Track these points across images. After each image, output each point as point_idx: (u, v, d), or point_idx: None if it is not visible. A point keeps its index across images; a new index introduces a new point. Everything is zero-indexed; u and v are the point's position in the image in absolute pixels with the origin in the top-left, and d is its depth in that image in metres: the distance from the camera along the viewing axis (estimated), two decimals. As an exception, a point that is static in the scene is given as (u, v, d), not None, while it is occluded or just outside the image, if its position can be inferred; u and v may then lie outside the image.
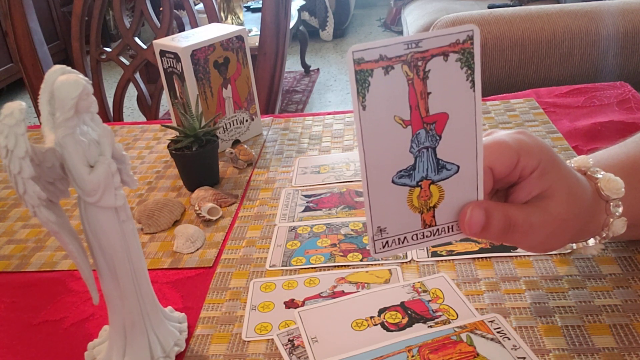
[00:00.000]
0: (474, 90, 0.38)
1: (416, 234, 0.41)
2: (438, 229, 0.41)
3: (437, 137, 0.38)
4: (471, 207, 0.41)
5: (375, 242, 0.40)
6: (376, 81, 0.35)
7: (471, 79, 0.37)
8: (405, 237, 0.41)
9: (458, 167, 0.40)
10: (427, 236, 0.42)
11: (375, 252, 0.41)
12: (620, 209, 0.47)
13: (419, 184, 0.39)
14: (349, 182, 0.72)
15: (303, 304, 0.52)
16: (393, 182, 0.39)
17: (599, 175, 0.48)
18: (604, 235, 0.48)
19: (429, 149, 0.39)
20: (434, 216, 0.41)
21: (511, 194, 0.45)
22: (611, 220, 0.47)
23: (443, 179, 0.40)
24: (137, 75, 1.25)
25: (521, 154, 0.42)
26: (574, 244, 0.51)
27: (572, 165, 0.49)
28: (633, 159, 0.51)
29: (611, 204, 0.47)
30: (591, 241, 0.49)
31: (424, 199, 0.40)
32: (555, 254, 0.55)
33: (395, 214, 0.40)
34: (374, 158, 0.37)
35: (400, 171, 0.39)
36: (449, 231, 0.42)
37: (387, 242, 0.41)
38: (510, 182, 0.44)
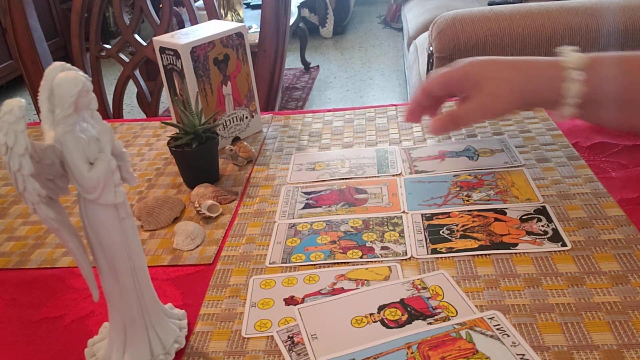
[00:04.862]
0: None
1: None
2: None
3: None
4: (431, 121, 0.68)
5: None
6: None
7: None
8: None
9: None
10: None
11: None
12: (578, 74, 0.59)
13: None
14: (343, 179, 0.72)
15: (303, 300, 0.52)
16: None
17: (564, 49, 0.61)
18: (567, 99, 0.60)
19: None
20: None
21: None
22: (567, 84, 0.59)
23: None
24: (137, 72, 1.25)
25: (448, 70, 0.66)
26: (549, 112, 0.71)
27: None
28: (619, 54, 0.61)
29: (570, 71, 0.59)
30: (566, 109, 0.61)
31: None
32: (554, 251, 0.55)
33: None
34: None
35: None
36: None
37: None
38: (455, 90, 0.68)
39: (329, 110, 0.94)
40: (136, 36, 1.23)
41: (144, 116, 1.34)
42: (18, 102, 0.37)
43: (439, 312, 0.49)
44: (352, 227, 0.62)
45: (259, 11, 1.21)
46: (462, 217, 0.62)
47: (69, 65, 0.41)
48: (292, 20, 3.33)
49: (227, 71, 0.82)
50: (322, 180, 0.73)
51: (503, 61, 0.65)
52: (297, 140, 0.85)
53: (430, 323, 0.48)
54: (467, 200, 0.64)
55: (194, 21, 1.18)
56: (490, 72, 0.65)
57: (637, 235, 0.56)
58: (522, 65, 0.64)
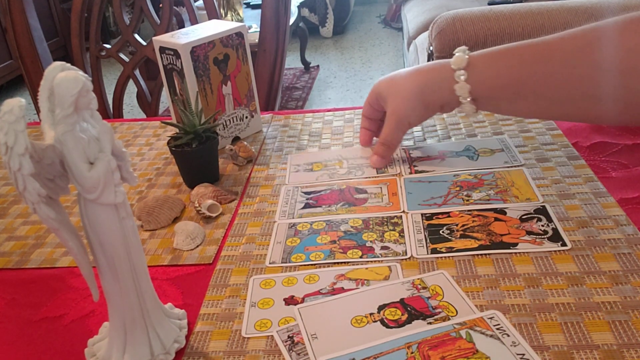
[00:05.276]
0: None
1: None
2: None
3: None
4: (370, 156, 0.74)
5: None
6: None
7: None
8: None
9: None
10: None
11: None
12: (463, 75, 0.63)
13: None
14: (342, 180, 0.72)
15: (303, 300, 0.52)
16: None
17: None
18: (461, 98, 0.64)
19: None
20: None
21: None
22: (457, 84, 0.63)
23: None
24: (137, 72, 1.25)
25: (368, 94, 0.73)
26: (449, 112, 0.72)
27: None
28: (502, 48, 0.64)
29: (456, 72, 0.63)
30: (466, 107, 0.65)
31: None
32: (554, 251, 0.55)
33: None
34: None
35: None
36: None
37: None
38: (379, 110, 0.73)
39: (329, 110, 0.94)
40: (136, 36, 1.23)
41: (144, 116, 1.34)
42: (18, 102, 0.37)
43: (439, 312, 0.49)
44: (352, 226, 0.62)
45: (259, 11, 1.21)
46: (462, 216, 0.62)
47: (69, 65, 0.41)
48: (292, 20, 3.33)
49: (227, 71, 0.82)
50: (321, 182, 0.73)
51: (400, 75, 0.68)
52: (297, 140, 0.85)
53: (430, 323, 0.48)
54: (467, 200, 0.64)
55: (194, 21, 1.18)
56: (390, 88, 0.69)
57: (637, 235, 0.56)
58: (417, 74, 0.67)
